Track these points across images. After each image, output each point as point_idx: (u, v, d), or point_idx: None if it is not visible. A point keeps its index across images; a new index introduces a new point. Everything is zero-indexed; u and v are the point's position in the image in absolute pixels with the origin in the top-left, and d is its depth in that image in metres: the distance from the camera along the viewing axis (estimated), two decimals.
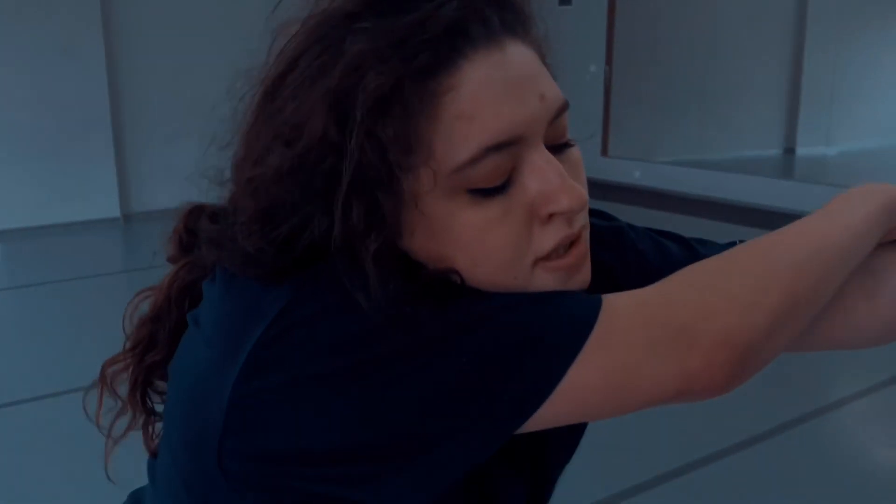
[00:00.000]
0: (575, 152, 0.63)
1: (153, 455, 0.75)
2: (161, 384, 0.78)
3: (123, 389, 0.78)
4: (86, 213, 6.62)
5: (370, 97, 0.53)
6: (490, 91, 0.55)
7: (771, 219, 6.78)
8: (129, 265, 6.20)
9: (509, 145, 0.56)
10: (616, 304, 0.57)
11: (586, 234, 0.62)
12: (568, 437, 0.82)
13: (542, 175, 0.56)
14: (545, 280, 0.58)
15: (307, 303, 0.54)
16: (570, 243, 0.60)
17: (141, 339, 0.76)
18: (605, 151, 8.21)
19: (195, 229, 0.71)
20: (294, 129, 0.58)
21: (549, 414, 0.55)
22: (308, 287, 0.55)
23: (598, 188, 6.65)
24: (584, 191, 0.59)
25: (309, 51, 0.59)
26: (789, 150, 8.92)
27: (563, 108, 0.61)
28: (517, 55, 0.57)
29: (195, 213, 0.68)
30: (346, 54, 0.55)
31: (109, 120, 6.67)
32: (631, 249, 0.77)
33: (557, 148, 0.60)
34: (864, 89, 8.96)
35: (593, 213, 0.69)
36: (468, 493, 0.71)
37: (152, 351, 0.75)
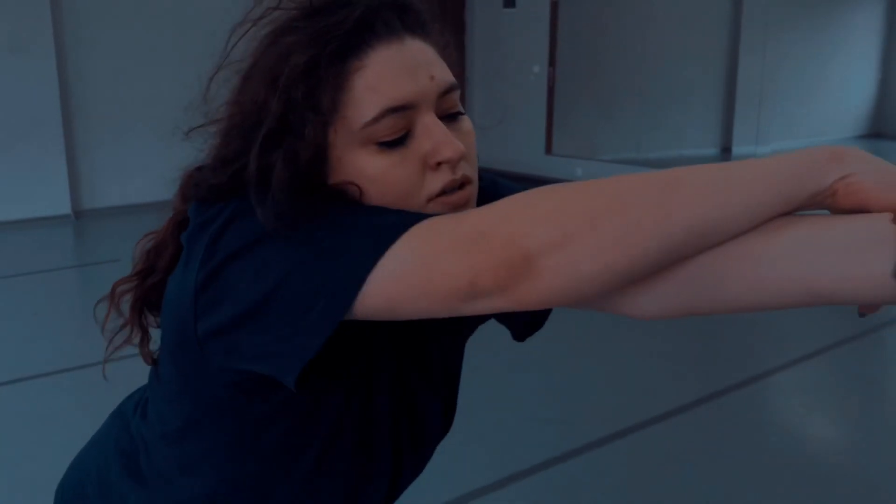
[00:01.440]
0: (466, 121, 0.80)
1: (154, 363, 0.92)
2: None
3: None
4: (37, 210, 6.65)
5: (291, 71, 0.73)
6: (390, 70, 0.74)
7: None
8: (82, 260, 6.25)
9: (404, 109, 0.74)
10: (441, 215, 0.71)
11: (471, 183, 0.78)
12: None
13: (429, 133, 0.75)
14: (437, 211, 0.75)
15: (241, 211, 0.74)
16: (459, 186, 0.77)
17: (143, 266, 0.92)
18: (548, 150, 8.46)
19: (192, 185, 0.86)
20: (244, 98, 0.79)
21: (369, 300, 0.68)
22: (244, 204, 0.75)
23: (539, 184, 7.06)
24: (461, 146, 0.75)
25: (271, 41, 0.79)
26: (726, 149, 9.24)
27: (452, 87, 0.78)
28: (414, 46, 0.76)
29: (194, 173, 0.86)
30: (280, 44, 0.76)
31: (60, 118, 6.70)
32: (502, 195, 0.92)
33: (450, 116, 0.78)
34: (794, 91, 9.35)
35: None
36: (398, 407, 0.90)
37: (151, 275, 0.91)
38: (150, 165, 7.26)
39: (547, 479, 2.85)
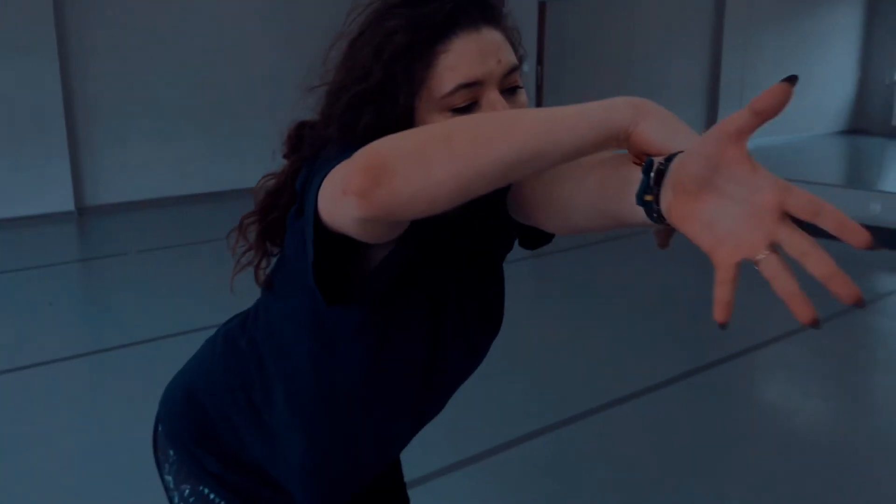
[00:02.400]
0: (522, 94, 0.98)
1: (267, 285, 1.13)
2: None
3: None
4: (42, 207, 6.82)
5: (394, 49, 0.92)
6: (466, 54, 0.93)
7: None
8: (85, 255, 6.43)
9: (473, 85, 0.93)
10: None
11: None
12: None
13: (491, 105, 0.93)
14: None
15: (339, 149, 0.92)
16: None
17: (266, 204, 1.09)
18: None
19: (300, 136, 1.05)
20: (351, 64, 0.97)
21: (321, 214, 0.84)
22: (343, 156, 0.88)
23: None
24: None
25: (368, 23, 0.98)
26: None
27: (513, 68, 0.96)
28: (488, 35, 0.94)
29: (300, 125, 1.05)
30: (386, 26, 0.94)
31: (63, 117, 6.87)
32: None
33: (510, 90, 0.96)
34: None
35: None
36: (447, 332, 1.10)
37: (272, 212, 1.09)
38: (150, 163, 7.46)
39: (537, 448, 3.05)
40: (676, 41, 9.20)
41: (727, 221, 0.63)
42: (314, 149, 0.98)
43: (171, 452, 1.21)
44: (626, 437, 3.15)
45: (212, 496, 1.18)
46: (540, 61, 8.74)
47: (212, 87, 7.70)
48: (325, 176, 0.84)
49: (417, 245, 0.96)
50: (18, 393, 3.58)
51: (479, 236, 1.09)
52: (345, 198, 0.76)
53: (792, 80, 0.64)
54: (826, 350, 4.11)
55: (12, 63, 6.58)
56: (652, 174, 0.69)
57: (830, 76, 10.87)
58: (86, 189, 7.18)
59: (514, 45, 0.98)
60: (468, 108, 0.92)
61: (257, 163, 7.93)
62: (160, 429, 1.25)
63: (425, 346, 1.09)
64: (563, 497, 2.73)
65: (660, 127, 0.73)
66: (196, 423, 1.19)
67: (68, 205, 6.97)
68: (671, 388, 3.55)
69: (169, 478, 1.23)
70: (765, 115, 0.64)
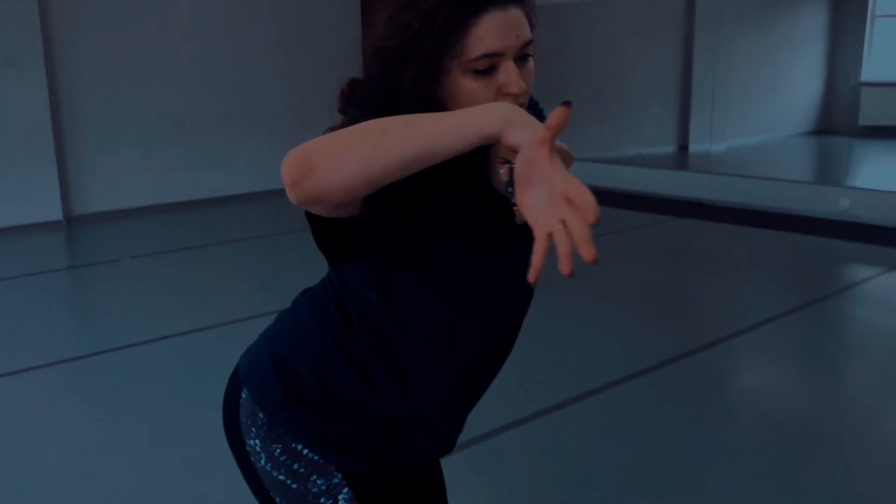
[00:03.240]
0: (531, 62, 1.15)
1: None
2: None
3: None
4: (30, 216, 6.89)
5: (436, 22, 1.08)
6: (492, 29, 1.09)
7: (667, 205, 7.56)
8: (74, 263, 6.52)
9: (494, 55, 1.10)
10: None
11: (523, 106, 1.13)
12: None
13: (506, 73, 1.11)
14: None
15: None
16: None
17: None
18: None
19: (352, 92, 1.20)
20: (400, 31, 1.12)
21: None
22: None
23: None
24: (523, 85, 1.11)
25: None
26: (683, 147, 9.67)
27: (528, 42, 1.14)
28: (512, 14, 1.11)
29: (352, 81, 1.20)
30: (430, 3, 1.09)
31: (51, 127, 6.96)
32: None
33: (522, 58, 1.14)
34: (745, 91, 9.84)
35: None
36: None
37: None
38: (137, 171, 7.56)
39: (524, 434, 3.20)
40: (647, 46, 9.41)
41: (539, 205, 0.86)
42: (362, 105, 1.15)
43: (261, 415, 1.27)
44: (609, 423, 3.30)
45: (305, 451, 1.26)
46: None
47: (197, 95, 7.81)
48: None
49: (392, 205, 1.11)
50: (13, 397, 3.68)
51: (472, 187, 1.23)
52: (285, 184, 0.97)
53: (568, 104, 0.88)
54: (800, 337, 4.32)
55: (0, 76, 6.65)
56: (509, 172, 0.93)
57: (798, 78, 11.14)
58: (73, 198, 7.26)
59: (530, 18, 1.16)
60: (487, 70, 1.11)
61: (242, 170, 8.10)
62: (245, 395, 1.30)
63: (469, 279, 1.23)
64: (548, 482, 2.88)
65: (520, 133, 0.93)
66: (289, 384, 1.26)
67: (56, 214, 7.05)
68: (654, 375, 3.72)
69: (255, 441, 1.29)
70: (555, 130, 0.87)
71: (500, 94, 1.12)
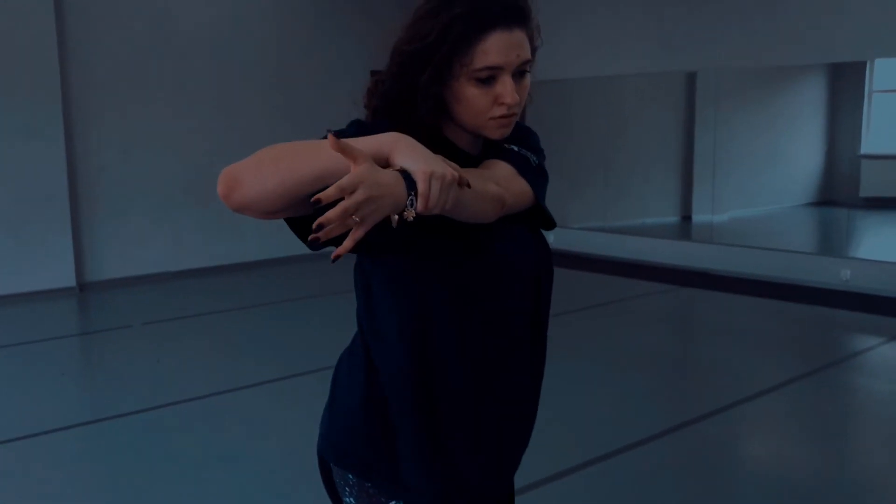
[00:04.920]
0: (527, 77, 1.31)
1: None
2: None
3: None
4: (43, 283, 7.00)
5: (451, 34, 1.24)
6: (497, 46, 1.25)
7: (671, 275, 7.65)
8: (86, 329, 6.61)
9: (494, 68, 1.26)
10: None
11: (514, 116, 1.31)
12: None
13: (503, 85, 1.27)
14: (490, 126, 1.29)
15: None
16: (507, 117, 1.29)
17: None
18: None
19: (375, 88, 1.35)
20: (420, 37, 1.27)
21: None
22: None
23: None
24: (517, 97, 1.27)
25: (434, 8, 1.28)
26: (686, 218, 9.76)
27: (527, 61, 1.29)
28: (516, 34, 1.27)
29: (375, 80, 1.34)
30: (453, 11, 1.25)
31: (67, 196, 7.12)
32: (523, 144, 1.43)
33: (520, 74, 1.29)
34: (747, 162, 9.99)
35: (529, 133, 1.45)
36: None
37: None
38: (150, 238, 7.70)
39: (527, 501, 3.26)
40: (651, 119, 9.61)
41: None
42: (384, 98, 1.32)
43: (350, 476, 1.36)
44: (613, 491, 3.33)
45: (392, 502, 1.34)
46: None
47: (209, 163, 8.00)
48: None
49: None
50: (26, 461, 3.73)
51: None
52: (221, 196, 1.14)
53: (328, 132, 1.07)
54: (804, 405, 4.36)
55: (21, 144, 6.85)
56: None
57: (799, 151, 11.31)
58: (86, 265, 7.38)
59: (532, 40, 1.32)
60: (488, 80, 1.27)
61: (252, 237, 8.21)
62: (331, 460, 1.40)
63: (476, 275, 1.32)
64: None
65: (404, 156, 1.10)
66: (357, 443, 1.35)
67: (70, 280, 7.16)
68: (658, 443, 3.76)
69: (350, 500, 1.38)
70: (345, 154, 1.04)
71: (496, 102, 1.28)
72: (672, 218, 9.86)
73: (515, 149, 1.40)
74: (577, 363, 4.73)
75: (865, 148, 11.02)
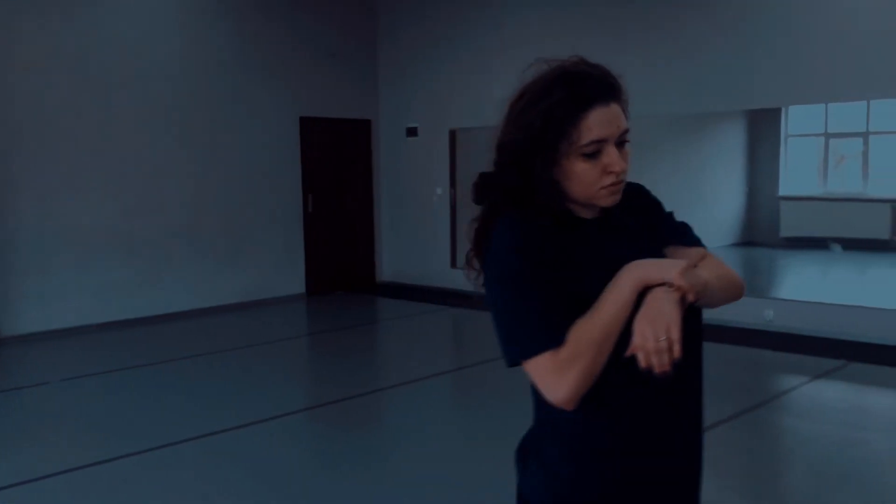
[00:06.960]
0: (628, 146, 1.40)
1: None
2: None
3: None
4: None
5: (555, 118, 1.34)
6: (599, 121, 1.35)
7: None
8: (4, 386, 6.33)
9: (600, 142, 1.35)
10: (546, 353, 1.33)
11: (623, 182, 1.41)
12: None
13: (609, 155, 1.37)
14: (601, 195, 1.39)
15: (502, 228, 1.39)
16: (616, 184, 1.39)
17: (477, 241, 1.44)
18: (453, 263, 9.02)
19: (485, 183, 1.44)
20: (525, 127, 1.37)
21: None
22: (508, 219, 1.39)
23: (447, 295, 7.59)
24: (624, 164, 1.38)
25: (539, 91, 1.38)
26: None
27: (626, 131, 1.39)
28: (614, 109, 1.37)
29: (482, 175, 1.45)
30: (553, 97, 1.35)
31: None
32: (651, 213, 1.58)
33: (620, 143, 1.39)
34: (669, 206, 10.22)
35: (640, 189, 1.58)
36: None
37: (482, 245, 1.43)
38: (69, 292, 7.46)
39: None
40: None
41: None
42: (501, 189, 1.41)
43: None
44: None
45: None
46: (453, 184, 9.19)
47: (132, 214, 7.84)
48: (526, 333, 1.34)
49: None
50: None
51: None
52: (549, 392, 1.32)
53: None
54: (733, 446, 4.41)
55: None
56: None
57: (720, 193, 11.65)
58: (4, 319, 7.12)
59: (625, 111, 1.41)
60: (594, 154, 1.36)
61: (178, 289, 8.04)
62: None
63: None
64: None
65: (654, 273, 1.32)
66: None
67: None
68: None
69: None
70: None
71: (605, 171, 1.36)
72: None
73: (671, 213, 1.60)
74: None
75: (783, 190, 11.43)
